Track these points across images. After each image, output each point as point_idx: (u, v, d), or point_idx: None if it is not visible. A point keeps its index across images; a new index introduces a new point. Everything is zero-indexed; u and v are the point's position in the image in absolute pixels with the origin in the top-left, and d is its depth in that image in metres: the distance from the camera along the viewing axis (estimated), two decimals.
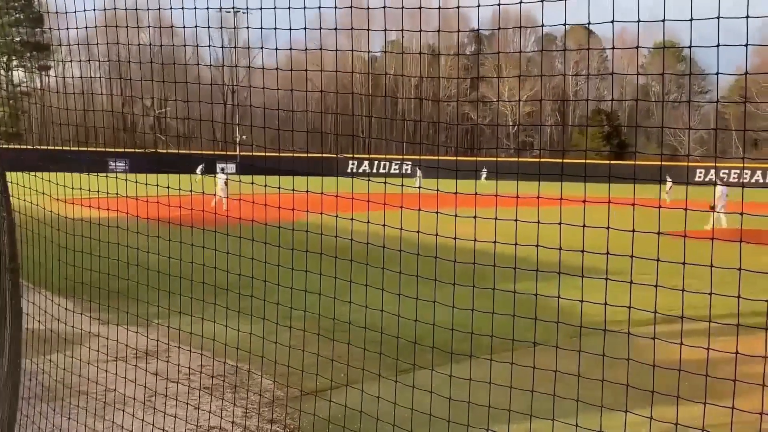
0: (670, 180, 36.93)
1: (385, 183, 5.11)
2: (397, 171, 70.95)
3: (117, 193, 6.37)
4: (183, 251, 6.12)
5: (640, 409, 4.27)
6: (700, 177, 60.77)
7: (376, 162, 74.30)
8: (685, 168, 59.13)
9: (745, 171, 67.84)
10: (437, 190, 4.73)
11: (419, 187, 4.84)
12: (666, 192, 36.45)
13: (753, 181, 66.71)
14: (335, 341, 5.85)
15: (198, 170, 53.35)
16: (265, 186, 5.52)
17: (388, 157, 72.12)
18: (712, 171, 64.42)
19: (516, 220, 4.39)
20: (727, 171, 66.36)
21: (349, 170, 68.92)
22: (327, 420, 6.02)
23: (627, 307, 4.09)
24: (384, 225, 4.97)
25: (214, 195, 24.93)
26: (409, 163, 72.17)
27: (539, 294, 4.65)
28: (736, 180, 65.54)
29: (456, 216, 4.61)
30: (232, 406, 7.15)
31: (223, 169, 31.03)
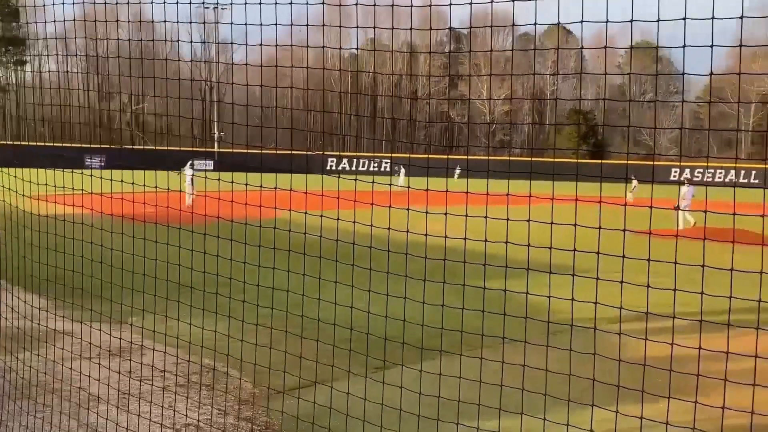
0: (635, 179, 37.19)
1: (355, 180, 5.13)
2: (376, 169, 71.01)
3: (83, 190, 6.33)
4: (156, 249, 6.10)
5: (607, 404, 4.33)
6: (675, 176, 61.37)
7: (354, 160, 74.29)
8: (659, 167, 59.69)
9: (720, 170, 68.65)
10: (408, 187, 4.76)
11: (390, 185, 4.87)
12: (630, 191, 36.71)
13: (727, 180, 67.51)
14: (305, 339, 5.86)
15: (187, 167, 52.98)
16: (231, 182, 5.51)
17: (365, 155, 72.14)
18: (687, 170, 65.12)
19: (485, 217, 4.43)
20: (701, 170, 67.10)
21: (328, 167, 68.81)
22: (296, 417, 6.02)
23: (594, 303, 4.15)
24: (354, 222, 4.99)
25: (183, 192, 24.85)
26: (388, 161, 72.25)
27: (508, 290, 4.70)
28: (710, 179, 66.29)
29: (427, 213, 4.64)
30: (204, 405, 7.13)
31: (191, 165, 30.74)
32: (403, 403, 4.86)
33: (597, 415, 4.26)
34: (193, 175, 28.48)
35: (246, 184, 5.27)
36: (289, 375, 5.73)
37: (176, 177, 28.89)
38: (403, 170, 43.67)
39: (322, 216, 5.28)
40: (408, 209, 4.79)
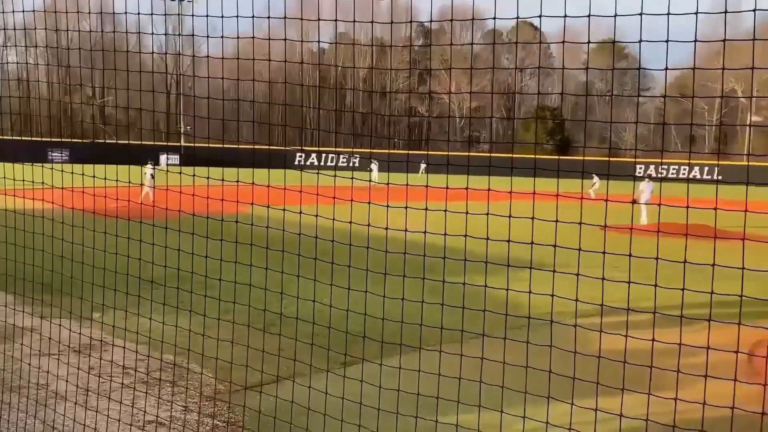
0: (596, 176, 37.36)
1: (317, 174, 5.03)
2: (346, 164, 70.79)
3: (44, 183, 6.14)
4: (118, 244, 5.93)
5: (564, 396, 4.29)
6: (640, 173, 62.09)
7: (324, 155, 73.96)
8: (624, 164, 60.44)
9: (684, 167, 69.62)
10: (369, 182, 4.68)
11: (352, 179, 4.78)
12: (590, 188, 36.90)
13: (691, 176, 68.56)
14: (269, 334, 5.74)
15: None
16: (193, 176, 5.37)
17: (338, 150, 71.91)
18: (652, 167, 65.95)
19: (445, 211, 4.37)
20: (666, 166, 67.99)
21: (296, 163, 68.46)
22: (259, 412, 5.90)
23: (550, 295, 4.09)
24: (316, 216, 4.88)
25: (143, 186, 24.55)
26: (357, 156, 72.02)
27: (471, 285, 4.63)
28: (674, 176, 67.27)
29: (387, 206, 4.56)
30: (167, 402, 6.97)
31: (151, 163, 30.30)
32: (365, 398, 4.78)
33: (553, 408, 4.23)
34: (153, 171, 28.14)
35: (207, 178, 5.12)
36: (252, 371, 5.61)
37: (147, 172, 28.51)
38: (376, 165, 43.80)
39: (284, 210, 5.17)
40: (369, 203, 4.69)
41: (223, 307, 5.79)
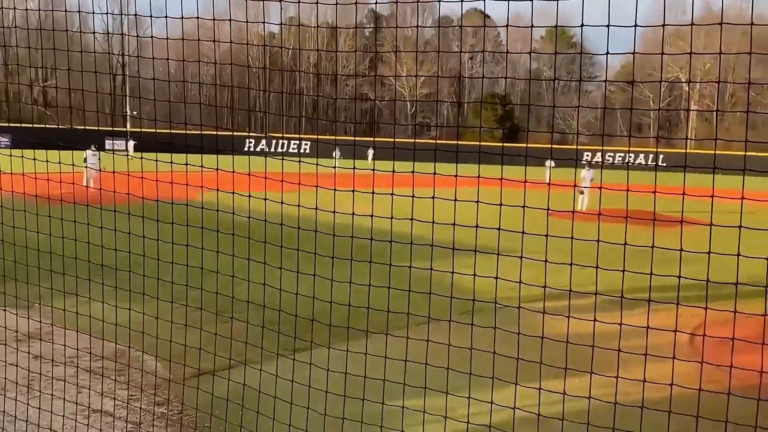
0: (551, 162, 37.92)
1: (282, 160, 5.01)
2: (295, 150, 70.31)
3: None
4: (64, 228, 5.82)
5: (531, 381, 4.39)
6: (587, 159, 63.25)
7: (274, 141, 73.28)
8: (572, 150, 61.34)
9: (629, 154, 71.09)
10: (315, 166, 4.68)
11: (317, 165, 4.78)
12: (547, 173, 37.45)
13: (636, 163, 70.08)
14: (222, 319, 5.72)
15: (129, 147, 51.33)
16: (141, 159, 5.31)
17: (290, 136, 71.43)
18: (599, 154, 67.21)
19: (412, 197, 4.40)
20: (612, 153, 69.37)
21: (246, 148, 67.70)
22: (212, 395, 5.88)
23: (494, 278, 4.18)
24: (264, 199, 4.87)
25: (86, 169, 24.02)
26: (308, 142, 71.63)
27: (417, 268, 4.69)
28: (620, 163, 68.61)
29: (335, 191, 4.57)
30: (117, 389, 6.89)
31: (93, 147, 29.54)
32: (315, 382, 4.81)
33: (498, 390, 4.32)
34: (96, 154, 27.53)
35: (157, 161, 5.06)
36: (205, 357, 5.59)
37: (89, 155, 27.85)
38: (338, 153, 43.96)
39: (233, 193, 5.14)
40: (317, 187, 4.70)
41: (171, 293, 5.75)
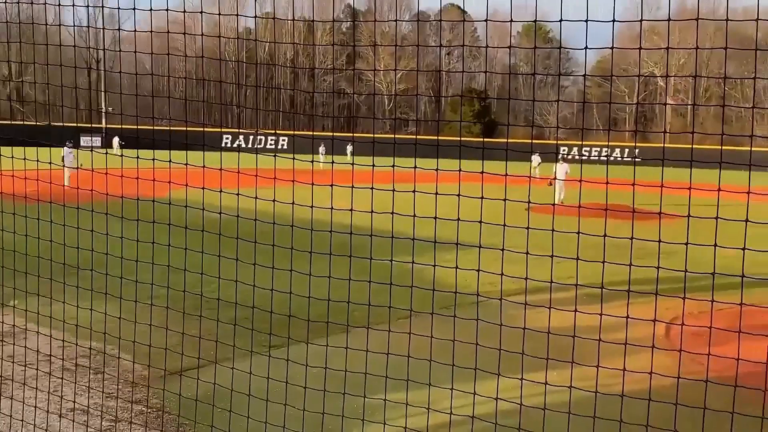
0: (536, 156, 38.13)
1: (275, 157, 4.96)
2: (273, 146, 70.05)
3: None
4: (40, 228, 5.74)
5: (513, 372, 4.40)
6: (563, 154, 63.73)
7: (251, 137, 72.88)
8: (551, 145, 61.75)
9: (606, 148, 71.62)
10: (291, 162, 4.66)
11: (286, 157, 4.74)
12: (535, 168, 37.63)
13: (613, 157, 70.64)
14: (195, 318, 5.67)
15: (115, 142, 50.33)
16: (121, 157, 5.24)
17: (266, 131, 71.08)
18: (575, 148, 67.70)
19: (371, 189, 4.38)
20: (588, 148, 69.89)
21: (223, 144, 67.27)
22: (183, 396, 5.83)
23: (476, 271, 4.18)
24: (237, 194, 4.83)
25: (65, 168, 23.70)
26: (286, 137, 71.38)
27: (399, 261, 4.68)
28: (595, 157, 69.14)
29: (312, 186, 4.54)
30: (92, 389, 6.81)
31: (69, 143, 29.11)
32: (293, 379, 4.78)
33: (502, 384, 4.32)
34: (71, 152, 27.23)
35: (137, 158, 5.00)
36: (179, 355, 5.53)
37: (66, 153, 27.51)
38: (323, 149, 43.91)
39: (203, 189, 5.09)
40: (292, 183, 4.67)
41: (147, 292, 5.68)
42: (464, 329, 4.61)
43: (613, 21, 4.29)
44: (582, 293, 5.27)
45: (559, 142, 70.96)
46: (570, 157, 63.16)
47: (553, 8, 4.36)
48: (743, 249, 3.83)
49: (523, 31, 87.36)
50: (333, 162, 4.60)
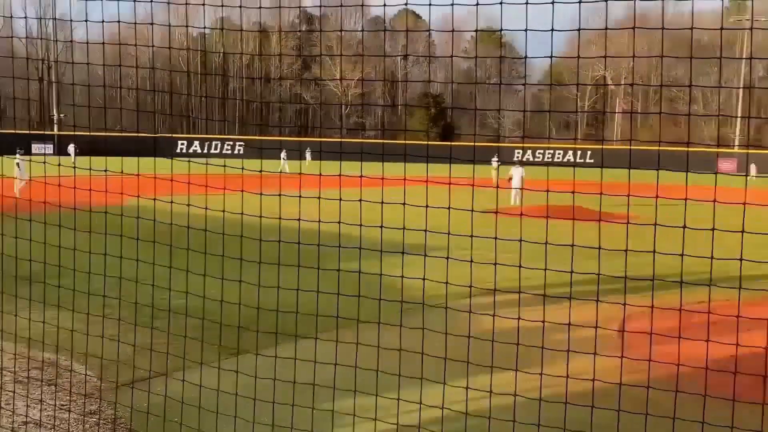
0: (495, 161, 38.31)
1: (201, 162, 4.96)
2: (230, 152, 69.50)
3: None
4: None
5: (458, 380, 4.46)
6: (518, 157, 64.56)
7: (207, 143, 72.11)
8: (503, 148, 62.53)
9: (559, 151, 72.76)
10: (243, 170, 4.65)
11: (240, 168, 4.75)
12: (494, 171, 37.78)
13: (565, 160, 71.72)
14: (147, 329, 5.63)
15: (70, 150, 48.61)
16: (74, 167, 5.18)
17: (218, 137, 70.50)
18: (529, 151, 68.65)
19: (339, 200, 4.41)
20: (542, 151, 70.89)
21: (178, 150, 66.48)
22: (140, 410, 5.78)
23: (421, 279, 4.24)
24: (187, 204, 4.83)
25: (15, 179, 23.17)
26: (242, 143, 70.85)
27: (347, 271, 4.71)
28: (549, 159, 70.09)
29: (261, 195, 4.56)
30: (45, 401, 6.70)
31: (20, 149, 28.45)
32: (243, 389, 4.77)
33: (448, 391, 4.38)
34: (21, 161, 26.68)
35: (89, 169, 4.94)
36: (130, 367, 5.49)
37: (17, 162, 26.92)
38: (285, 155, 43.76)
39: (155, 199, 5.07)
40: (240, 192, 4.68)
41: (99, 302, 5.62)
42: (412, 336, 4.67)
43: (552, 30, 4.40)
44: (526, 297, 5.37)
45: (513, 145, 71.81)
46: (525, 159, 64.02)
47: (506, 15, 4.46)
48: (681, 255, 3.94)
49: (477, 36, 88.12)
50: (281, 172, 4.63)
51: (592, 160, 66.62)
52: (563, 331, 4.19)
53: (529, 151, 67.88)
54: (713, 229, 3.74)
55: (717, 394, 3.96)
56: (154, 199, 4.80)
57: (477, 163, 5.13)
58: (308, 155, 49.03)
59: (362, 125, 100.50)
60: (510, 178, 29.32)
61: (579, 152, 73.24)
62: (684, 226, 3.81)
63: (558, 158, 72.78)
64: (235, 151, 69.24)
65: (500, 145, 65.25)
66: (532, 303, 5.39)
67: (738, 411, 3.84)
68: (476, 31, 5.68)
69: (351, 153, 5.21)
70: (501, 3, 4.30)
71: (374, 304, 5.00)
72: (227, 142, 70.49)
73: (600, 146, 64.96)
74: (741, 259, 3.72)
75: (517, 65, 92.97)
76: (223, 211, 4.72)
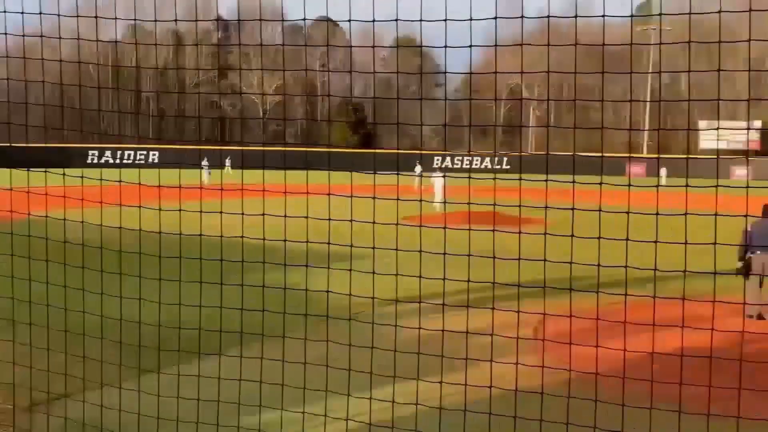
0: (418, 167, 38.47)
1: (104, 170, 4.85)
2: (143, 161, 67.78)
3: None
4: None
5: (362, 391, 4.49)
6: (437, 164, 65.33)
7: (119, 152, 69.94)
8: (423, 156, 63.20)
9: (477, 158, 74.06)
10: (164, 182, 4.59)
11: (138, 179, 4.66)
12: (417, 178, 37.89)
13: (483, 167, 73.05)
14: (57, 350, 5.45)
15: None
16: None
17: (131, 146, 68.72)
18: (449, 158, 69.66)
19: (242, 215, 4.39)
20: (460, 158, 72.05)
21: (90, 161, 64.38)
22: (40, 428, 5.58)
23: (325, 292, 4.27)
24: (81, 222, 4.71)
25: None
26: (156, 152, 69.25)
27: (272, 287, 4.70)
28: (467, 167, 71.29)
29: (180, 211, 4.50)
30: None
31: None
32: (164, 408, 4.68)
33: (352, 403, 4.40)
34: None
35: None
36: (37, 390, 5.30)
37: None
38: (229, 161, 42.88)
39: (56, 215, 4.92)
40: (150, 202, 4.61)
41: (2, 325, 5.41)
42: (318, 348, 4.68)
43: (470, 46, 4.54)
44: (427, 307, 5.45)
45: (432, 152, 72.69)
46: (444, 166, 64.82)
47: (424, 27, 4.56)
48: (597, 266, 4.07)
49: (392, 47, 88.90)
50: (202, 183, 4.57)
51: (508, 167, 68.10)
52: (461, 339, 4.28)
53: (448, 158, 68.86)
54: (627, 240, 3.91)
55: (609, 399, 4.12)
56: (46, 216, 4.66)
57: (400, 173, 5.18)
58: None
59: (282, 134, 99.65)
60: (432, 186, 29.70)
61: (495, 159, 74.63)
62: (599, 237, 3.96)
63: (476, 165, 74.08)
64: (150, 159, 67.56)
65: (419, 151, 65.81)
66: (433, 312, 5.48)
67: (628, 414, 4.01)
68: (397, 47, 5.77)
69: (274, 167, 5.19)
70: (420, 21, 4.42)
71: (280, 318, 4.99)
72: (140, 152, 68.71)
73: (514, 153, 66.56)
74: (626, 267, 3.89)
75: (435, 76, 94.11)
76: (119, 228, 4.63)
